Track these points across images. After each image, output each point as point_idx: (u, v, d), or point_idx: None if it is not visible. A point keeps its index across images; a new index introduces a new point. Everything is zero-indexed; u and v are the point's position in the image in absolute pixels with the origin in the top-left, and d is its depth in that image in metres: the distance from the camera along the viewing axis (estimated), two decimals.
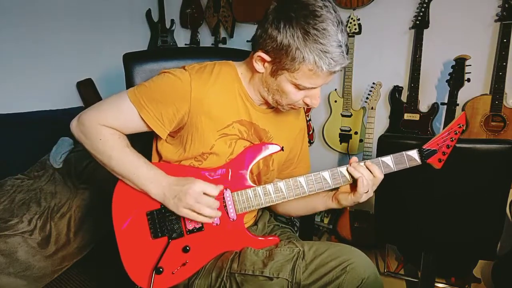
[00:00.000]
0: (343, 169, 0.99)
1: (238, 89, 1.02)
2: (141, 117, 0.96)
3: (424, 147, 1.00)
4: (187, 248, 0.99)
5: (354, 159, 1.00)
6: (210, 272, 1.00)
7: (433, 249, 1.49)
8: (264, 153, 1.02)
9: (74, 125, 0.99)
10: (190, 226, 1.00)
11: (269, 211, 1.29)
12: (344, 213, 2.19)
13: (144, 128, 0.99)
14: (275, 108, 1.06)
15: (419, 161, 0.99)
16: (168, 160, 1.06)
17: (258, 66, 0.95)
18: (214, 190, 0.95)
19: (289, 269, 0.94)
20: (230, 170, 1.02)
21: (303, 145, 1.22)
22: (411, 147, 1.00)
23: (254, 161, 1.02)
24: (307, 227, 1.44)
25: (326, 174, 0.99)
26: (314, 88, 0.93)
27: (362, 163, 0.99)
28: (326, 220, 2.49)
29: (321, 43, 0.83)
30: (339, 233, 2.22)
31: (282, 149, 1.03)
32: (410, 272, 1.98)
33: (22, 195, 1.82)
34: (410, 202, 1.43)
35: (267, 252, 1.00)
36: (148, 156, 1.05)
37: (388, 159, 0.99)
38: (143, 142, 1.08)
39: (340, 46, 0.85)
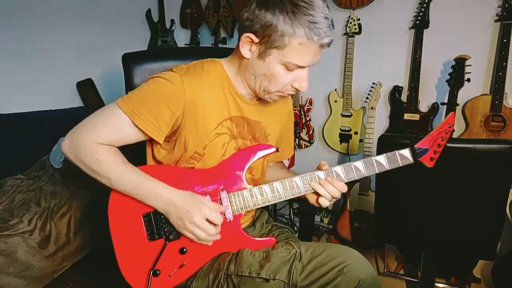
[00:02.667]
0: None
1: (227, 85, 1.01)
2: (136, 126, 0.93)
3: (416, 146, 1.00)
4: (184, 249, 0.99)
5: (323, 165, 1.01)
6: (208, 274, 1.00)
7: (433, 249, 1.49)
8: (260, 154, 1.03)
9: (66, 147, 0.94)
10: None
11: (268, 211, 1.29)
12: (344, 213, 2.19)
13: (141, 137, 0.97)
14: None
15: (411, 159, 0.99)
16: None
17: (245, 50, 0.94)
18: (218, 219, 0.94)
19: (285, 271, 0.94)
20: (226, 170, 1.02)
21: (290, 129, 1.26)
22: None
23: (250, 162, 1.03)
24: (306, 227, 1.44)
25: (321, 174, 1.00)
26: (303, 68, 0.94)
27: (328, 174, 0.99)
28: (326, 220, 2.50)
29: (310, 14, 0.85)
30: (339, 233, 2.22)
31: (277, 150, 1.04)
32: (410, 272, 1.98)
33: (22, 195, 1.81)
34: (410, 202, 1.42)
35: (264, 254, 1.00)
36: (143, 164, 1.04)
37: (381, 158, 0.99)
38: (136, 152, 1.05)
39: (327, 18, 0.88)
